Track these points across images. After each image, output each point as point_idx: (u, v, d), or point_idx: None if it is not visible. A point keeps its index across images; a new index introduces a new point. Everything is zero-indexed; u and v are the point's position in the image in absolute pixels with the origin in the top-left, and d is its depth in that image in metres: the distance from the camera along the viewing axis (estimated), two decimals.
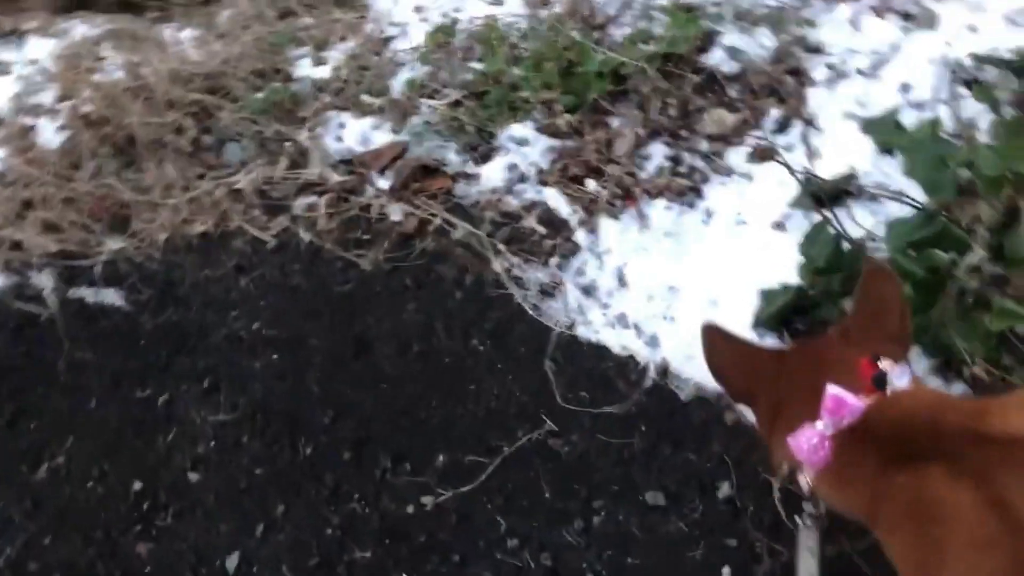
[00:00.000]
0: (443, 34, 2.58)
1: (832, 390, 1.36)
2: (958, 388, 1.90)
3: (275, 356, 2.21)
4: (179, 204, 2.42)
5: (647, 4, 2.62)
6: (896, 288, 1.45)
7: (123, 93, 2.55)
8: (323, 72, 2.61)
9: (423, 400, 2.12)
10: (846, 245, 1.98)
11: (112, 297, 2.31)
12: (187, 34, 2.77)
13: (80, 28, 2.82)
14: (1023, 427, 1.21)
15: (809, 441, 1.38)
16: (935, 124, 1.78)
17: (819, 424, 1.37)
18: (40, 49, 2.74)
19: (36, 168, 2.47)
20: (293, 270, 2.33)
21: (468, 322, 2.20)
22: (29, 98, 2.61)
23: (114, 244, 2.38)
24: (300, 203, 2.42)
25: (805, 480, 1.47)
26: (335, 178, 2.43)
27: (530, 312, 2.18)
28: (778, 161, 2.02)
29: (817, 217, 2.16)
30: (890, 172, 2.19)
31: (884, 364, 1.38)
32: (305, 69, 2.62)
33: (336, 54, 2.64)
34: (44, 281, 2.33)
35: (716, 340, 1.53)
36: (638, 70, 2.42)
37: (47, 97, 2.61)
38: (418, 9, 2.75)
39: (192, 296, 2.32)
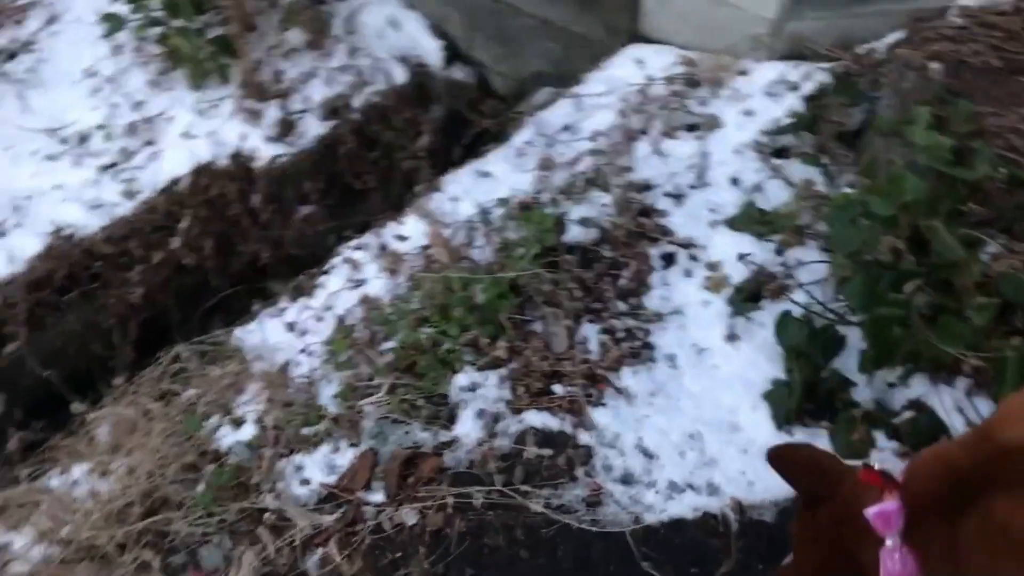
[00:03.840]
0: (344, 334, 2.59)
1: (869, 511, 1.47)
2: (962, 383, 2.22)
3: None
4: None
5: (489, 220, 2.80)
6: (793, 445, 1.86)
7: (61, 566, 2.27)
8: (249, 431, 2.49)
9: None
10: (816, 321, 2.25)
11: None
12: (77, 472, 2.52)
13: None
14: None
15: (894, 561, 1.47)
16: (847, 196, 2.09)
17: (888, 543, 1.46)
18: None
19: None
20: None
21: (548, 573, 2.18)
22: None
23: None
24: (311, 563, 2.28)
25: None
26: (328, 519, 2.33)
27: (593, 530, 2.22)
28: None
29: (758, 314, 2.44)
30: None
31: (871, 461, 1.56)
32: (229, 438, 2.48)
33: (248, 408, 2.54)
34: None
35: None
36: (530, 276, 2.58)
37: None
38: (290, 327, 2.73)
39: None
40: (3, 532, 2.41)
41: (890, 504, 1.46)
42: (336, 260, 2.88)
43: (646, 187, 2.81)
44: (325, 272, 2.85)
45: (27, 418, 3.07)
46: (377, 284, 2.75)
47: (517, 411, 2.44)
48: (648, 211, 2.75)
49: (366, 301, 2.71)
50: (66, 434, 2.69)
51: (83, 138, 3.40)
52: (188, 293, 3.45)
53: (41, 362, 3.12)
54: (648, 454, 2.31)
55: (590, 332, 2.54)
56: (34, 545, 2.36)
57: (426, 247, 2.80)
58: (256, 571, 2.29)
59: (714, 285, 2.39)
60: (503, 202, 2.84)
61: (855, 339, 2.25)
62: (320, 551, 2.30)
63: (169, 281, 3.37)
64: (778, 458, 1.75)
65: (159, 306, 3.37)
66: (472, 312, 2.57)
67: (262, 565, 2.30)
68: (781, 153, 2.75)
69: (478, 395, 2.47)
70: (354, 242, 2.93)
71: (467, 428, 2.42)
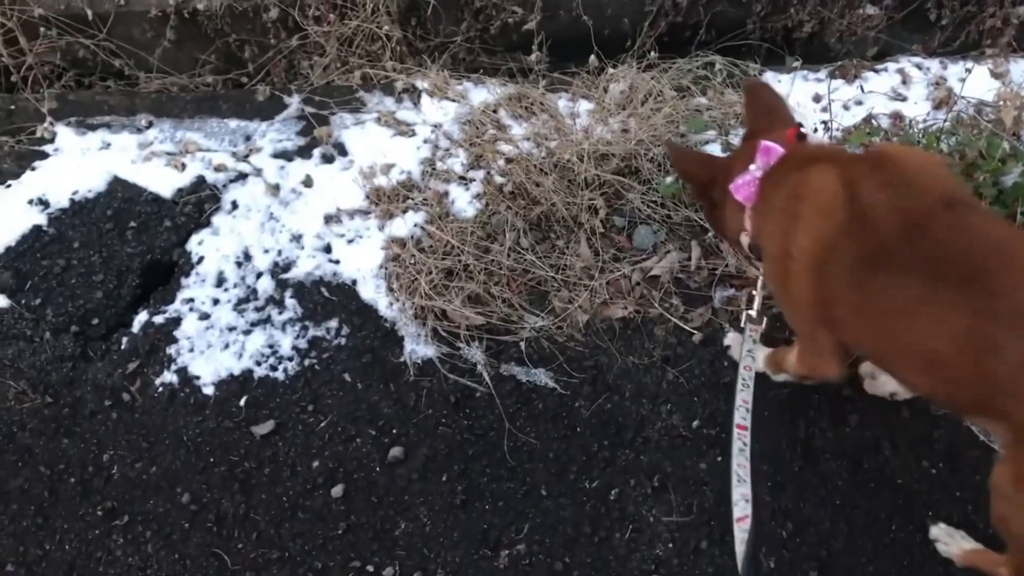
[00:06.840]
0: (864, 131, 2.56)
1: (764, 142, 1.80)
2: None
3: (720, 459, 2.22)
4: (597, 286, 2.44)
5: None
6: (771, 89, 1.99)
7: (536, 168, 2.57)
8: None
9: (878, 526, 2.11)
10: None
11: (543, 377, 2.34)
12: (583, 107, 2.78)
13: (475, 93, 2.83)
14: (901, 152, 1.69)
15: (744, 181, 1.82)
16: None
17: (751, 167, 1.82)
18: (438, 112, 2.77)
19: (454, 237, 2.51)
20: (723, 368, 2.33)
21: (916, 439, 2.18)
22: (439, 164, 2.65)
23: (536, 322, 2.41)
24: (719, 295, 2.42)
25: (745, 236, 1.89)
26: (754, 273, 2.42)
27: None
28: None
29: None
30: None
31: (805, 131, 1.83)
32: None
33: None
34: (475, 355, 2.37)
35: (677, 151, 2.20)
36: None
37: (455, 164, 2.65)
38: (815, 98, 2.73)
39: (622, 384, 2.33)
40: (509, 115, 2.75)
41: (780, 148, 1.78)
42: (890, 64, 2.79)
43: None
44: (874, 70, 2.78)
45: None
46: (914, 108, 2.65)
47: None
48: None
49: (897, 117, 2.63)
50: (585, 73, 2.92)
51: None
52: (725, 22, 3.49)
53: (583, 6, 3.35)
54: None
55: None
56: (525, 140, 2.68)
57: (983, 103, 2.63)
58: (673, 271, 2.47)
59: None
60: None
61: None
62: (731, 291, 2.43)
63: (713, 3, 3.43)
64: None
65: (693, 14, 3.46)
66: (994, 186, 2.43)
67: (680, 268, 2.48)
68: None
69: None
70: (914, 59, 2.80)
71: None
